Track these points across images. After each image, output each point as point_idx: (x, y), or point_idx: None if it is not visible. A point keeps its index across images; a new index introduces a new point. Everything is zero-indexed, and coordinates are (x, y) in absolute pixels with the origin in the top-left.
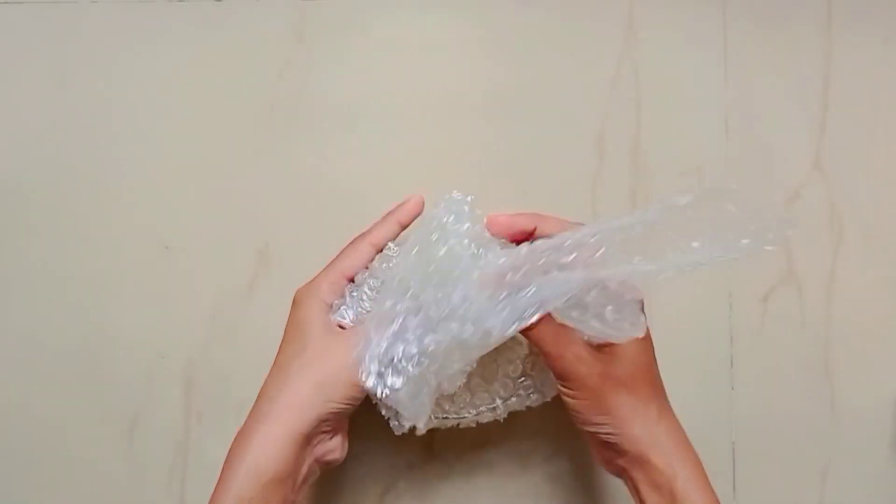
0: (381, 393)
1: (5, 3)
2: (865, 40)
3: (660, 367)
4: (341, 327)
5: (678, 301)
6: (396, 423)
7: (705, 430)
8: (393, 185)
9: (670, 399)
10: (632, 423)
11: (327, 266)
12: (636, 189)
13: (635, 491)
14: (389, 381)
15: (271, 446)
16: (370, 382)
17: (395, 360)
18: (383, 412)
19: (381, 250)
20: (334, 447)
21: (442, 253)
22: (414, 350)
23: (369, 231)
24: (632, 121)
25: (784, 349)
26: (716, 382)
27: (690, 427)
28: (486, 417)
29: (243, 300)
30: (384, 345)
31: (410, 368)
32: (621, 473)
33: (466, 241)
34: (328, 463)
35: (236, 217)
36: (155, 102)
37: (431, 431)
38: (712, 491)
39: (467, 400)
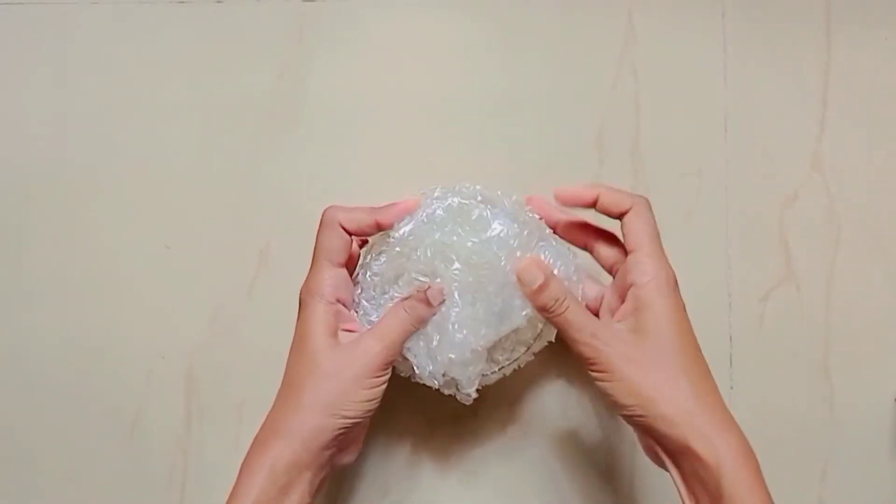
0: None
1: (5, 3)
2: (865, 40)
3: None
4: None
5: None
6: (464, 394)
7: None
8: (393, 184)
9: None
10: (660, 403)
11: (315, 258)
12: (636, 189)
13: (682, 484)
14: (442, 368)
15: (288, 458)
16: (427, 378)
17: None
18: (445, 392)
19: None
20: (349, 451)
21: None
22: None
23: (346, 211)
24: (632, 121)
25: (783, 349)
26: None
27: None
28: (525, 359)
29: (243, 300)
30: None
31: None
32: (666, 465)
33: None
34: (343, 466)
35: (237, 217)
36: (155, 102)
37: (431, 429)
38: (763, 487)
39: (501, 352)
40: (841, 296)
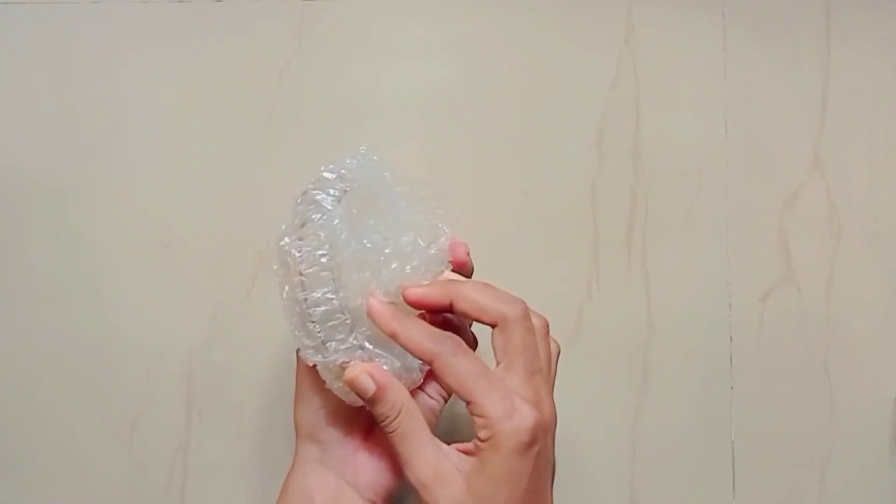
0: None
1: (5, 3)
2: (865, 40)
3: (660, 367)
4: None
5: (678, 300)
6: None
7: (705, 429)
8: None
9: (670, 399)
10: None
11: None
12: (636, 189)
13: None
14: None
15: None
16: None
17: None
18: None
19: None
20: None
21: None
22: None
23: None
24: (632, 121)
25: (783, 349)
26: (715, 382)
27: (690, 427)
28: None
29: (243, 300)
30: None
31: None
32: None
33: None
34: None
35: (236, 217)
36: (154, 102)
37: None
38: None
39: None
40: (841, 296)
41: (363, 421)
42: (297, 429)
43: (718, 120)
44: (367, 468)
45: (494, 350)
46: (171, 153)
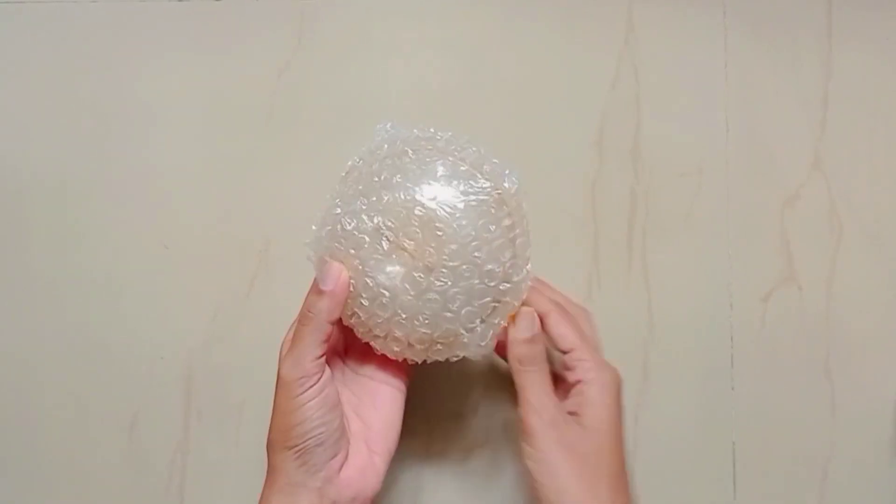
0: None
1: (5, 3)
2: (865, 40)
3: (661, 368)
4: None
5: (679, 301)
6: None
7: (705, 430)
8: None
9: (671, 400)
10: (571, 497)
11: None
12: (636, 189)
13: None
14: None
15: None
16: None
17: None
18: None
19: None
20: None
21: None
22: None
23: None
24: (632, 121)
25: (784, 349)
26: (716, 382)
27: (690, 427)
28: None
29: (243, 300)
30: None
31: None
32: None
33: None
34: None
35: (236, 217)
36: (154, 102)
37: (430, 430)
38: None
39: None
40: (841, 296)
41: (344, 437)
42: (276, 449)
43: (718, 120)
44: (352, 484)
45: (558, 333)
46: (171, 153)
